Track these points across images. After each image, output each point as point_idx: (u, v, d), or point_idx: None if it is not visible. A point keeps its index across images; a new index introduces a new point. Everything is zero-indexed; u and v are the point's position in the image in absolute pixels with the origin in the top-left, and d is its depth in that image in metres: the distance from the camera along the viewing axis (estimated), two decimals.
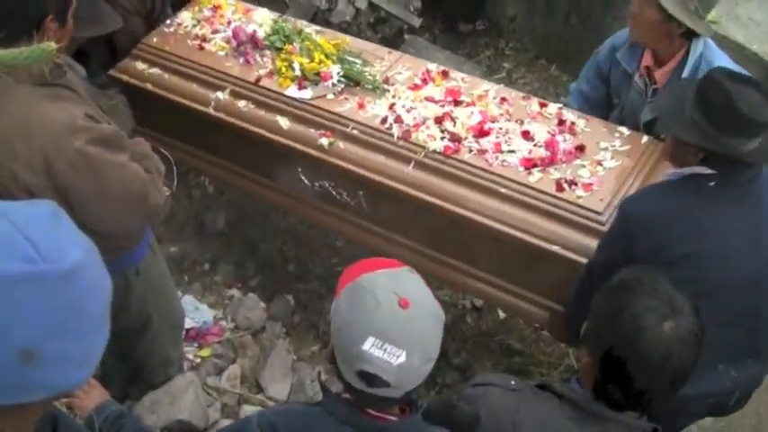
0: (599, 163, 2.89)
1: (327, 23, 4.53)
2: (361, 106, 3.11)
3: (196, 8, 3.59)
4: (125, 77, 3.33)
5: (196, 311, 3.63)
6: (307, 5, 4.80)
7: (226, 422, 3.21)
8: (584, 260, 2.66)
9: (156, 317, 2.80)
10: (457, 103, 3.12)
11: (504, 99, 3.15)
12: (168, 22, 3.51)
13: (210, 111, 3.25)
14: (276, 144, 3.16)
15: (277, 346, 3.54)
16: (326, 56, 3.23)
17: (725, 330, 2.34)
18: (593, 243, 2.67)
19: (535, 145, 2.94)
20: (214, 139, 3.39)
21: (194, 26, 3.50)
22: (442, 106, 3.09)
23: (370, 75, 3.23)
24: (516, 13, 5.46)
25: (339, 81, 3.18)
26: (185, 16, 3.54)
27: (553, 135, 2.97)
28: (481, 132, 2.98)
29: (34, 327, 1.08)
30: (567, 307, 2.76)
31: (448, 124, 3.00)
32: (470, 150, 2.94)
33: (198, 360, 3.40)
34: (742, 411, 2.94)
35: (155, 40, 3.42)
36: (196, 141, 3.46)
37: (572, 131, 3.00)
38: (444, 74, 3.28)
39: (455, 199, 2.89)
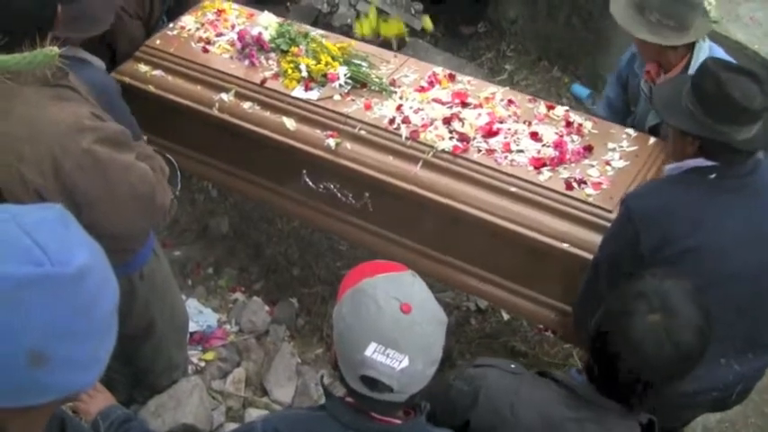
0: (607, 163, 2.89)
1: (329, 27, 4.54)
2: (368, 107, 3.11)
3: (199, 12, 3.59)
4: (127, 80, 3.32)
5: (200, 315, 3.63)
6: (308, 9, 4.82)
7: (231, 426, 3.21)
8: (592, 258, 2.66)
9: (159, 321, 2.80)
10: (464, 104, 3.12)
11: (510, 101, 3.15)
12: (171, 25, 3.50)
13: (214, 112, 3.24)
14: (282, 145, 3.15)
15: (281, 350, 3.54)
16: (333, 58, 3.23)
17: (726, 324, 2.35)
18: None
19: (544, 145, 2.95)
20: (215, 142, 3.39)
21: (198, 29, 3.49)
22: (450, 108, 3.09)
23: (376, 77, 3.23)
24: (518, 16, 5.46)
25: (346, 83, 3.18)
26: (188, 20, 3.53)
27: (561, 136, 2.98)
28: (489, 132, 2.98)
29: (42, 329, 1.08)
30: (575, 306, 2.76)
31: (456, 124, 3.00)
32: (479, 150, 2.94)
33: (202, 364, 3.40)
34: (746, 411, 2.95)
35: (158, 42, 3.42)
36: (197, 144, 3.46)
37: (580, 133, 3.01)
38: (451, 77, 3.28)
39: (464, 198, 2.88)
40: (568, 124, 3.04)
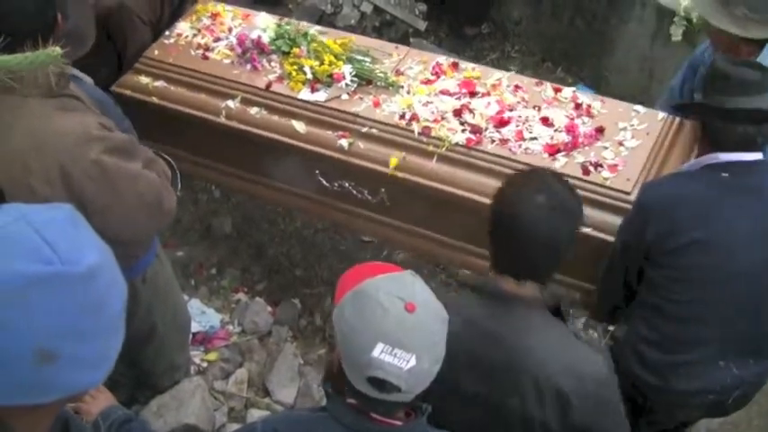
0: (620, 143, 2.92)
1: (332, 27, 4.54)
2: (376, 104, 3.11)
3: (194, 17, 3.53)
4: (128, 92, 3.29)
5: (203, 316, 3.63)
6: (312, 9, 4.81)
7: (233, 426, 3.22)
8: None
9: (161, 324, 2.80)
10: (472, 94, 3.12)
11: (517, 87, 3.16)
12: (167, 33, 3.45)
13: (222, 120, 3.22)
14: (293, 148, 3.15)
15: (284, 350, 3.54)
16: (336, 56, 3.22)
17: (727, 322, 2.44)
18: None
19: (556, 130, 2.96)
20: (225, 148, 3.37)
21: (195, 36, 3.44)
22: (459, 99, 3.09)
23: (381, 72, 3.22)
24: (521, 16, 5.45)
25: (352, 81, 3.16)
26: (184, 26, 3.48)
27: (572, 119, 3.00)
28: (501, 122, 2.99)
29: (51, 327, 1.09)
30: (597, 289, 2.82)
31: (467, 116, 3.01)
32: (492, 141, 2.95)
33: (205, 364, 3.41)
34: (749, 414, 2.94)
35: (156, 52, 3.37)
36: (206, 152, 3.44)
37: (589, 114, 3.03)
38: (455, 65, 3.28)
39: (482, 190, 2.87)
40: (577, 106, 3.06)
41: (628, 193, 2.75)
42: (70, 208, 1.20)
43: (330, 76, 3.17)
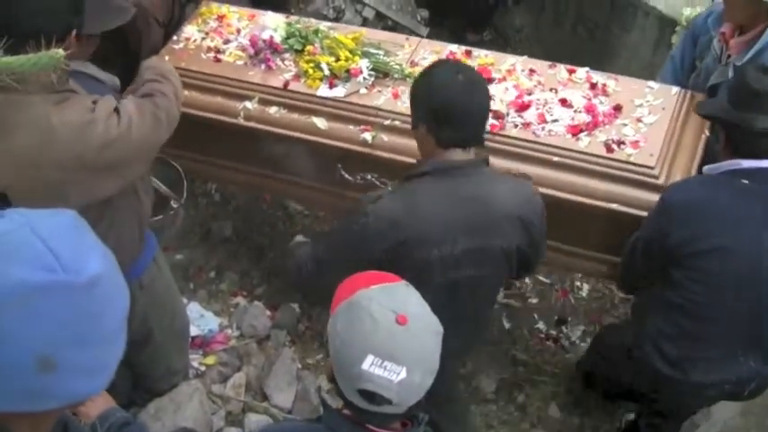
0: (639, 120, 2.99)
1: None
2: (396, 96, 3.12)
3: (200, 20, 3.52)
4: None
5: (201, 319, 3.63)
6: (314, 15, 4.81)
7: (230, 430, 3.21)
8: (642, 213, 2.78)
9: (158, 330, 2.80)
10: (489, 80, 3.14)
11: (532, 71, 3.21)
12: (175, 38, 3.44)
13: (240, 121, 3.22)
14: (315, 144, 3.16)
15: (282, 355, 3.54)
16: (350, 51, 3.21)
17: (746, 327, 2.57)
18: (650, 197, 2.80)
19: (575, 111, 3.02)
20: (242, 148, 3.36)
21: (203, 39, 3.43)
22: None
23: (396, 64, 3.23)
24: (523, 24, 5.46)
25: (369, 75, 3.17)
26: (191, 30, 3.47)
27: (589, 99, 3.07)
28: (522, 106, 3.04)
29: (52, 335, 1.09)
30: (620, 268, 2.93)
31: None
32: (515, 125, 3.00)
33: (203, 368, 3.40)
34: (747, 425, 2.95)
35: (167, 58, 3.33)
36: (222, 154, 3.44)
37: (605, 93, 3.10)
38: (468, 53, 3.31)
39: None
40: (593, 86, 3.13)
41: (652, 168, 2.84)
42: (73, 214, 1.20)
43: (347, 71, 3.17)
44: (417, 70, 3.18)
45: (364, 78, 3.15)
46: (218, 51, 3.38)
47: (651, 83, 3.18)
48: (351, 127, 3.12)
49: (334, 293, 1.83)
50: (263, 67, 3.29)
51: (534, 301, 3.98)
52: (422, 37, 5.06)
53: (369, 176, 3.16)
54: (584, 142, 2.92)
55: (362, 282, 1.70)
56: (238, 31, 3.47)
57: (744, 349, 2.62)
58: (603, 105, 3.04)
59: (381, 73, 3.20)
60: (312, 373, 3.53)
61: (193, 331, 3.42)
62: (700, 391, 2.74)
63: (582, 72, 3.20)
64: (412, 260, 2.32)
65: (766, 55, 2.88)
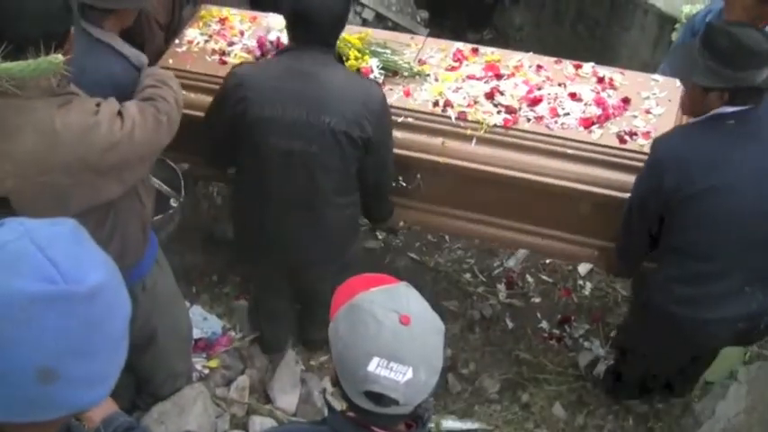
0: (648, 111, 3.06)
1: None
2: (407, 94, 3.14)
3: (201, 23, 3.49)
4: None
5: (205, 322, 3.63)
6: None
7: None
8: None
9: (161, 333, 2.80)
10: (498, 77, 3.19)
11: (539, 66, 3.25)
12: (177, 41, 3.40)
13: None
14: None
15: (285, 357, 3.54)
16: (359, 51, 3.21)
17: (749, 255, 2.71)
18: None
19: (586, 104, 3.08)
20: None
21: (207, 41, 3.40)
22: (486, 82, 3.17)
23: (404, 62, 3.24)
24: (523, 23, 5.47)
25: (379, 73, 3.18)
26: (193, 33, 3.43)
27: (598, 93, 3.12)
28: (534, 101, 3.08)
29: (53, 346, 1.08)
30: (617, 246, 2.99)
31: (499, 98, 3.09)
32: (528, 119, 3.04)
33: (206, 371, 3.40)
34: (750, 421, 2.94)
35: (170, 61, 3.30)
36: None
37: (612, 86, 3.16)
38: (474, 50, 3.35)
39: (525, 167, 2.99)
40: (600, 80, 3.19)
41: None
42: (73, 223, 1.19)
43: (358, 70, 3.16)
44: (426, 68, 3.25)
45: (375, 77, 3.16)
46: (223, 53, 3.35)
47: (656, 76, 3.25)
48: None
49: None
50: None
51: (537, 300, 3.99)
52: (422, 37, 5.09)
53: None
54: (596, 134, 2.99)
55: (362, 285, 1.69)
56: (242, 33, 3.44)
57: (749, 283, 2.73)
58: (612, 98, 3.10)
59: (391, 71, 3.22)
60: (316, 375, 3.53)
61: (197, 334, 3.42)
62: (714, 328, 2.82)
63: (588, 67, 3.25)
64: (249, 117, 2.73)
65: None
